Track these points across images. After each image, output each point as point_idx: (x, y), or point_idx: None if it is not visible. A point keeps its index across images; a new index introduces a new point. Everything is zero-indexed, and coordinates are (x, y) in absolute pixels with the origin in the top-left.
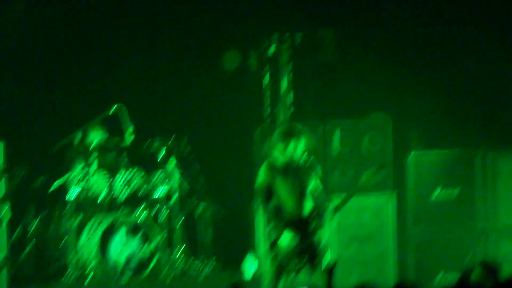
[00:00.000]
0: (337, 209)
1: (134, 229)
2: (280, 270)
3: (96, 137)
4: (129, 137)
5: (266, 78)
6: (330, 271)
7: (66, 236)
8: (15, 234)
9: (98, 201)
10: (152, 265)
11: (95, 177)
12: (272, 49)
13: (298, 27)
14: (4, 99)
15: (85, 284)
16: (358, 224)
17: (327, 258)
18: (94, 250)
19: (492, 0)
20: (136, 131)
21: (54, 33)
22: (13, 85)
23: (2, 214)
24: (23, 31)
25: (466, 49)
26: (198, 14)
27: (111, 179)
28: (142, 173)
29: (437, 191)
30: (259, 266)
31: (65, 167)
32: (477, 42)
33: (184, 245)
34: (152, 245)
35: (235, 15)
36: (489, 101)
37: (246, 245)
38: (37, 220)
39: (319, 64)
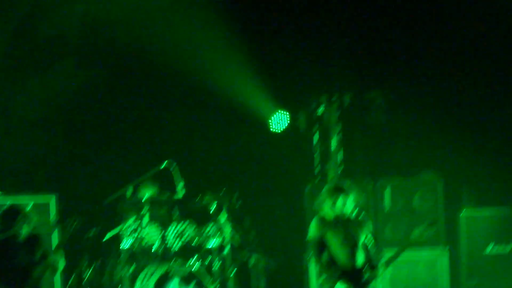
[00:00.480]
0: (389, 262)
1: (187, 279)
2: None
3: (147, 191)
4: (180, 191)
5: (316, 137)
6: None
7: (120, 285)
8: (69, 283)
9: (152, 251)
10: None
11: (147, 228)
12: (321, 109)
13: (347, 88)
14: (58, 154)
15: None
16: (411, 277)
17: None
18: None
19: None
20: (187, 185)
21: (105, 90)
22: (65, 140)
23: (57, 264)
24: (75, 89)
25: None
26: (250, 75)
27: (164, 231)
28: (194, 226)
29: (490, 246)
30: None
31: (118, 219)
32: None
33: None
34: None
35: (286, 76)
36: None
37: None
38: (91, 269)
39: (368, 123)
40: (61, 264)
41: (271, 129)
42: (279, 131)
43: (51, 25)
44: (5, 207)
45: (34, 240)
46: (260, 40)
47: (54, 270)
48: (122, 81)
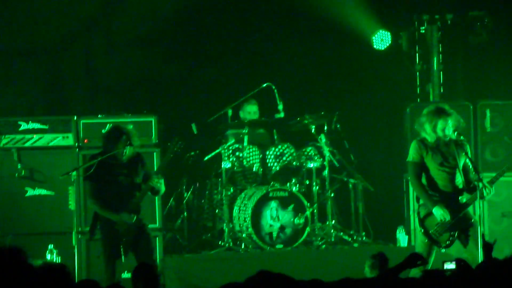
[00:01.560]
0: (488, 185)
1: (286, 201)
2: (431, 243)
3: (248, 112)
4: (281, 112)
5: (417, 58)
6: (490, 247)
7: (219, 206)
8: (169, 204)
9: (251, 172)
10: (304, 236)
11: (247, 149)
12: (422, 29)
13: (450, 7)
14: (159, 74)
15: (240, 251)
16: (509, 201)
17: (479, 233)
18: (247, 221)
19: None
20: (287, 107)
21: (206, 11)
22: (166, 63)
23: (159, 187)
24: (176, 8)
25: None
26: None
27: (264, 152)
28: (294, 147)
29: None
30: (411, 239)
31: (219, 140)
32: None
33: (335, 218)
34: (303, 218)
35: None
36: None
37: (397, 218)
38: (190, 190)
39: (470, 45)
40: (162, 188)
41: (374, 47)
42: (381, 50)
43: None
44: (108, 128)
45: (137, 160)
46: None
47: (156, 192)
48: (223, 2)
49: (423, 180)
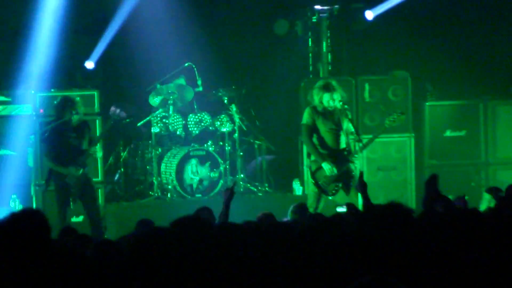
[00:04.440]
0: (366, 144)
1: (204, 159)
2: (321, 192)
3: (175, 84)
4: (199, 87)
5: (310, 42)
6: (364, 184)
7: (149, 164)
8: (108, 162)
9: (176, 135)
10: (218, 187)
11: (172, 117)
12: (314, 18)
13: (336, 1)
14: (115, 59)
15: (166, 200)
16: (384, 157)
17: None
18: (172, 176)
19: None
20: (205, 82)
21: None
22: (118, 49)
23: (96, 153)
24: None
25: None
26: None
27: (186, 119)
28: (209, 116)
29: (447, 132)
30: (304, 189)
31: (149, 109)
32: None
33: (244, 172)
34: (218, 172)
35: None
36: (489, 63)
37: (293, 172)
38: (126, 151)
39: (352, 31)
40: (99, 153)
41: (275, 33)
42: (281, 35)
43: None
44: (59, 99)
45: (84, 126)
46: None
47: (95, 156)
48: None
49: (314, 140)
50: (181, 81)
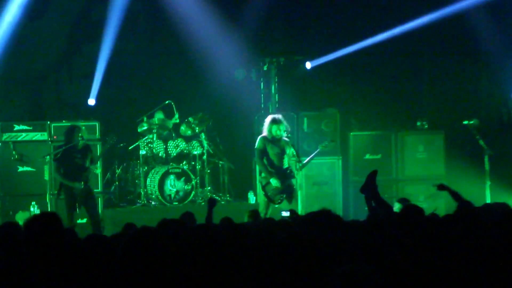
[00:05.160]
0: (305, 164)
1: (180, 175)
2: (269, 201)
3: (157, 118)
4: (176, 120)
5: (262, 85)
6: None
7: (138, 179)
8: (106, 177)
9: (158, 157)
10: (190, 197)
11: (155, 142)
12: (265, 67)
13: (282, 53)
14: (112, 97)
15: (151, 206)
16: (318, 174)
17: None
18: (155, 188)
19: None
20: (180, 117)
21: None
22: (108, 89)
23: (98, 167)
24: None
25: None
26: (221, 44)
27: (165, 145)
28: (184, 142)
29: (367, 156)
30: (257, 199)
31: (138, 136)
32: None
33: (210, 185)
34: (190, 185)
35: (245, 46)
36: (400, 103)
37: (248, 185)
38: (119, 169)
39: (294, 77)
40: (98, 171)
41: (236, 78)
42: (240, 79)
43: None
44: (68, 128)
45: (87, 148)
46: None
47: (95, 172)
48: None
49: (265, 161)
50: (161, 115)
